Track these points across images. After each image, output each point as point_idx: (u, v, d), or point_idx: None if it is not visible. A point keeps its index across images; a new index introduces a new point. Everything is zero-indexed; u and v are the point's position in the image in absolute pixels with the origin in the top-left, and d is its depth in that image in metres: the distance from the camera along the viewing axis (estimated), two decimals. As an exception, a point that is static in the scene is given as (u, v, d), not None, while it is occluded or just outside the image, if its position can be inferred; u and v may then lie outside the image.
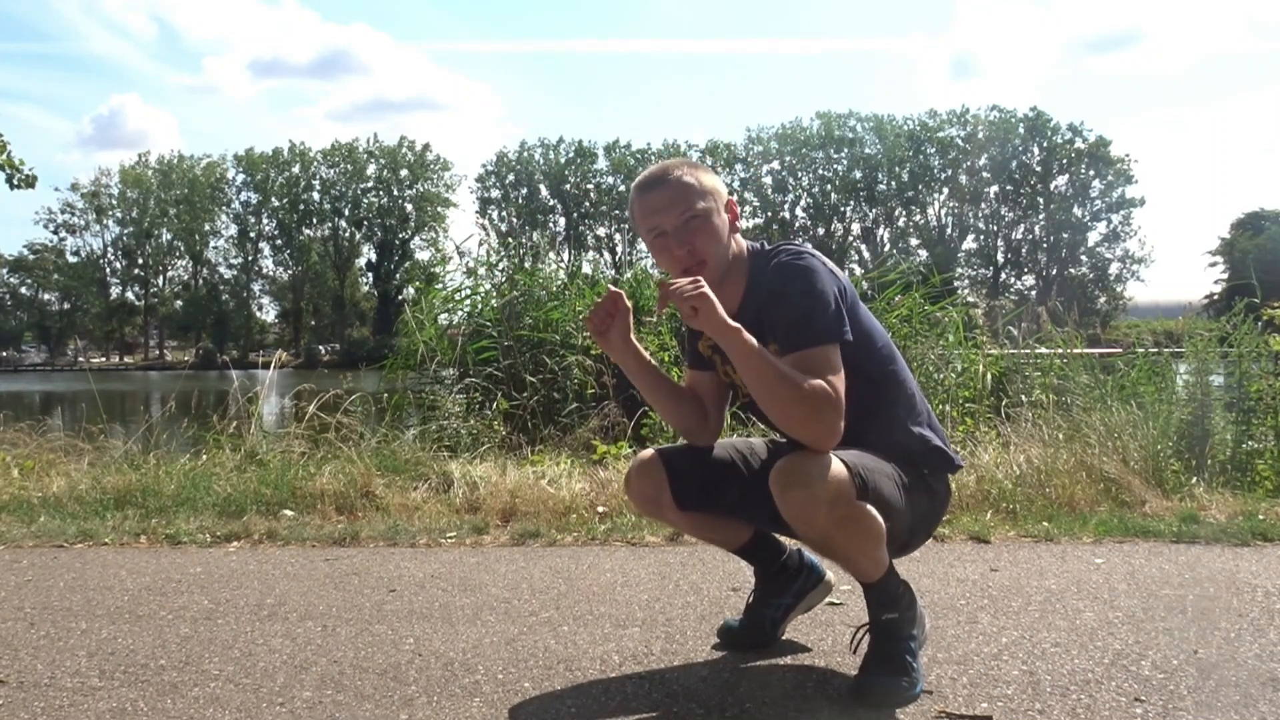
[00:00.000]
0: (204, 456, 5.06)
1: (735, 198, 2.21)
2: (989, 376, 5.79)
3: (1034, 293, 59.32)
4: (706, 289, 1.89)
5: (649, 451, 2.24)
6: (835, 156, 66.67)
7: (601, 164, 68.91)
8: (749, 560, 2.40)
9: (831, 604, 2.65)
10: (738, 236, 2.09)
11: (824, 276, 1.97)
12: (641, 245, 2.25)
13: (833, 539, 1.92)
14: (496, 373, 5.92)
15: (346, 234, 70.45)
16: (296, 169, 69.24)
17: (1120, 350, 6.07)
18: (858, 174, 66.19)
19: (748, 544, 2.35)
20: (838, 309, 1.95)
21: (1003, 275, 65.23)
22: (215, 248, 71.51)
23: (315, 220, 70.14)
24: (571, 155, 69.06)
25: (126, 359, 67.83)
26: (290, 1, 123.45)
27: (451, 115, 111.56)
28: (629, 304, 2.13)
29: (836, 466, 1.88)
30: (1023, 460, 4.34)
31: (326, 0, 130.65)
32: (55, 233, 67.42)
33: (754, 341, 1.90)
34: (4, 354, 64.19)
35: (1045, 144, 63.15)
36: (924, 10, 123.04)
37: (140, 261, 69.96)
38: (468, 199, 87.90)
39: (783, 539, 2.39)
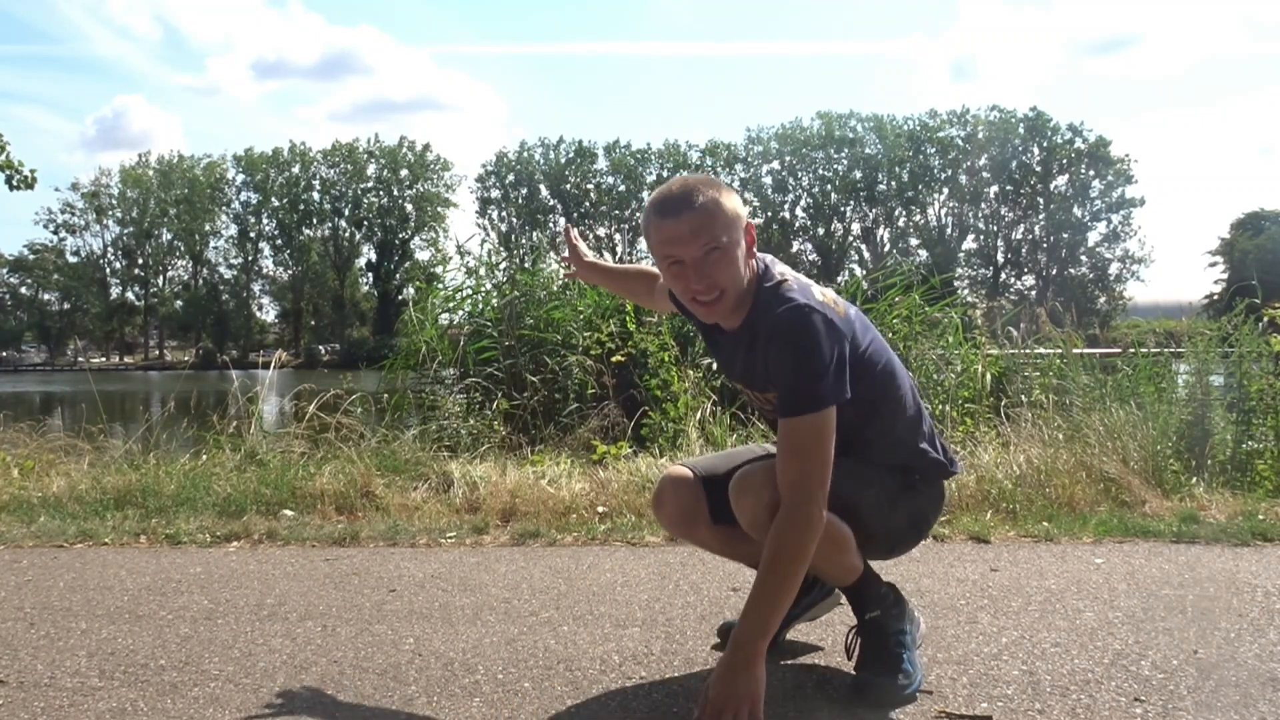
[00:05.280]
0: (204, 456, 5.06)
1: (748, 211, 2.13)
2: (988, 377, 5.79)
3: (1034, 293, 59.33)
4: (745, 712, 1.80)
5: (681, 469, 2.18)
6: (835, 156, 66.64)
7: (601, 164, 68.96)
8: None
9: (831, 604, 2.65)
10: (751, 261, 2.01)
11: (824, 337, 1.87)
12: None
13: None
14: (497, 373, 5.92)
15: (346, 234, 70.43)
16: (296, 169, 69.22)
17: (1120, 350, 6.06)
18: (858, 174, 66.15)
19: None
20: (837, 370, 1.88)
21: (1003, 275, 65.21)
22: (215, 248, 71.67)
23: (315, 220, 70.09)
24: (571, 155, 69.03)
25: (126, 359, 67.86)
26: (295, 4, 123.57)
27: (455, 116, 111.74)
28: (575, 235, 2.57)
29: None
30: (1023, 460, 4.34)
31: (332, 2, 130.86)
32: (55, 233, 67.50)
33: (759, 622, 1.87)
34: (4, 354, 64.19)
35: (1045, 144, 63.09)
36: (924, 11, 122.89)
37: (140, 261, 69.98)
38: (468, 199, 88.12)
39: None
